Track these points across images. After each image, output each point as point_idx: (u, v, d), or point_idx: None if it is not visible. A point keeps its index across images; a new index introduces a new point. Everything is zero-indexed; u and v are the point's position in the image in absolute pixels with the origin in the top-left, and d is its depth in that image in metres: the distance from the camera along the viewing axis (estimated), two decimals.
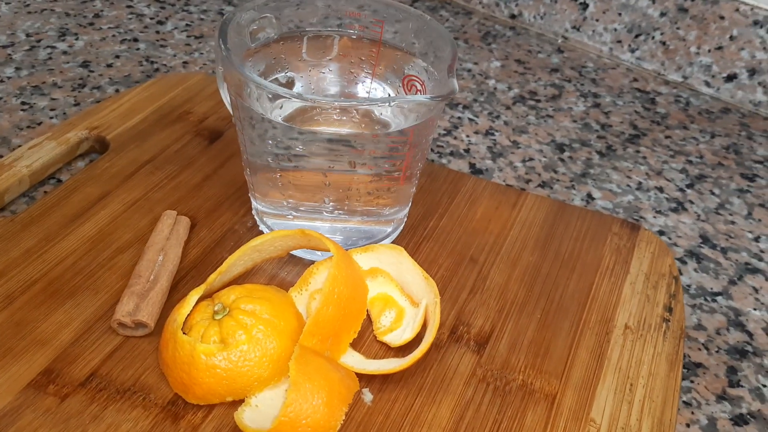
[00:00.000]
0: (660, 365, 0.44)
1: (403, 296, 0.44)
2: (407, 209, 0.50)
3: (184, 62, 0.70)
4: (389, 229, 0.49)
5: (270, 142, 0.43)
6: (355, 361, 0.41)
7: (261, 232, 0.50)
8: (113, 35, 0.73)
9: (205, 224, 0.50)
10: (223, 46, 0.42)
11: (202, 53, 0.72)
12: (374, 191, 0.45)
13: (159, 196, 0.52)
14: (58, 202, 0.50)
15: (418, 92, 0.47)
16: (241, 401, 0.39)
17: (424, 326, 0.43)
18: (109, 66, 0.68)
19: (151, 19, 0.77)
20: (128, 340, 0.42)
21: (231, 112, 0.52)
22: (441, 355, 0.43)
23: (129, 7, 0.79)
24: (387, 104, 0.41)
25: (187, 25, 0.77)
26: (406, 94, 0.48)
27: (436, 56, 0.46)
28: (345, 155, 0.43)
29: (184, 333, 0.39)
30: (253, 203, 0.49)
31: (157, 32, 0.75)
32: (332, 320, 0.39)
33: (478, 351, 0.44)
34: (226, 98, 0.52)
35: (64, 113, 0.61)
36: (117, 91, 0.65)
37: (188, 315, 0.40)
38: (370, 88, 0.50)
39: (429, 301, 0.43)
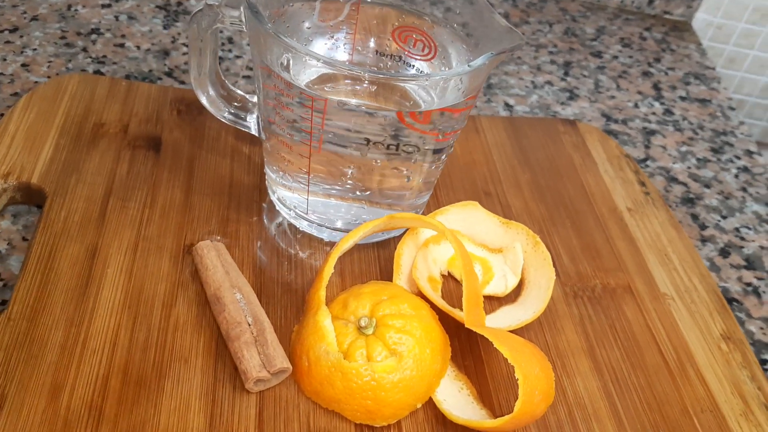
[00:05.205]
0: (669, 231, 0.52)
1: (479, 247, 0.45)
2: (429, 195, 0.47)
3: (23, 65, 0.57)
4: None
5: (308, 113, 0.39)
6: (494, 322, 0.41)
7: (292, 226, 0.46)
8: None
9: (232, 242, 0.44)
10: (261, 24, 0.36)
11: (35, 49, 0.58)
12: (405, 173, 0.43)
13: (156, 231, 0.44)
14: (45, 278, 0.40)
15: (418, 42, 0.46)
16: (423, 405, 0.37)
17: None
18: None
19: None
20: (264, 395, 0.37)
21: (216, 112, 0.46)
22: None
23: None
24: (461, 74, 0.38)
25: None
26: (399, 47, 0.46)
27: (440, 3, 0.44)
28: (383, 132, 0.40)
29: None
30: (273, 177, 0.45)
31: None
32: (476, 291, 0.39)
33: None
34: (206, 98, 0.45)
35: None
36: None
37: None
38: (353, 49, 0.47)
39: (521, 242, 0.44)
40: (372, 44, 0.47)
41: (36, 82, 0.55)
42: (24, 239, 0.44)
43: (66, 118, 0.50)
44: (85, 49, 0.60)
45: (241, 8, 0.40)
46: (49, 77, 0.56)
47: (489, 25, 0.41)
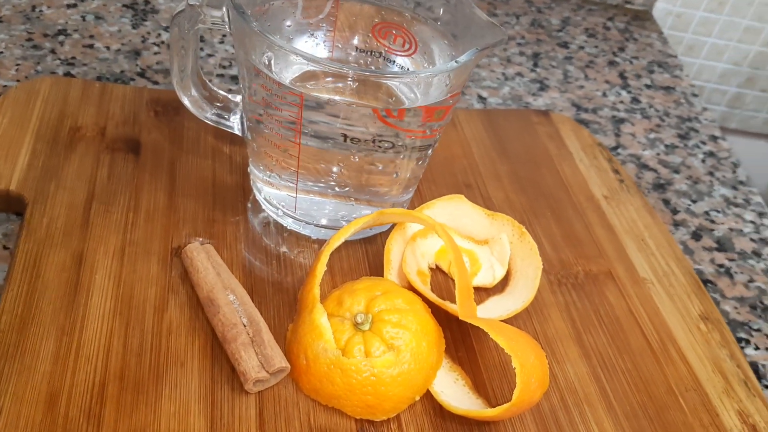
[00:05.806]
0: (644, 217, 0.54)
1: (465, 239, 0.46)
2: (412, 193, 0.48)
3: None
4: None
5: (289, 110, 0.39)
6: (483, 313, 0.42)
7: (278, 224, 0.46)
8: None
9: (219, 243, 0.44)
10: (247, 23, 0.36)
11: (1, 52, 0.57)
12: (385, 169, 0.43)
13: (142, 235, 0.43)
14: (32, 287, 0.39)
15: (398, 38, 0.46)
16: (421, 398, 0.38)
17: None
18: None
19: None
20: (263, 395, 0.37)
21: (199, 113, 0.45)
22: None
23: None
24: (444, 73, 0.39)
25: None
26: (379, 43, 0.47)
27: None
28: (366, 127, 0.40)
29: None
30: (260, 175, 0.45)
31: None
32: (467, 283, 0.40)
33: None
34: (188, 99, 0.44)
35: None
36: None
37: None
38: (333, 47, 0.47)
39: (507, 232, 0.45)
40: (352, 41, 0.47)
41: (5, 86, 0.54)
42: (5, 248, 0.43)
43: (41, 122, 0.49)
44: (53, 51, 0.58)
45: (224, 8, 0.40)
46: (18, 80, 0.55)
47: (470, 19, 0.42)
